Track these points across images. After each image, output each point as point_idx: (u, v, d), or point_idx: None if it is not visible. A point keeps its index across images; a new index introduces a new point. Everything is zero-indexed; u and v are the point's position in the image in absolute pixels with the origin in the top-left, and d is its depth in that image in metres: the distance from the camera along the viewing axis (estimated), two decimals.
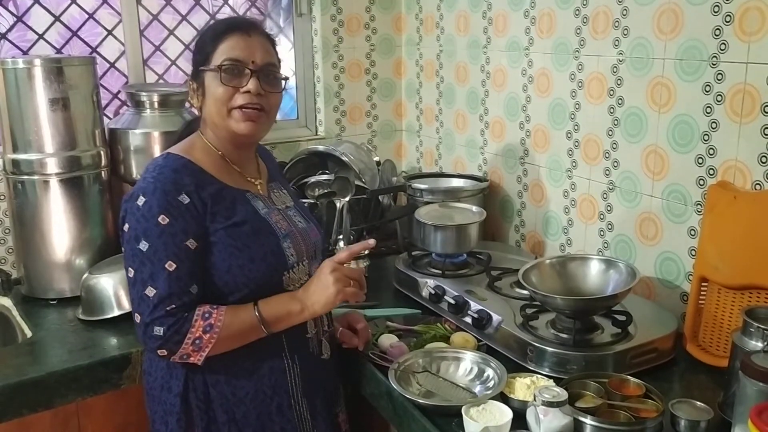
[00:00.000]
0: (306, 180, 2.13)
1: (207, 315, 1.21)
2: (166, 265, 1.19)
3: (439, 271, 1.78)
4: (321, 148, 2.19)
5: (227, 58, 1.26)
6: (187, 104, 1.99)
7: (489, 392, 1.28)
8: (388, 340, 1.49)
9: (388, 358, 1.43)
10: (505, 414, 1.19)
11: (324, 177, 2.10)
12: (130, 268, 1.22)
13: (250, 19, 1.37)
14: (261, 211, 1.32)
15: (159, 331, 1.18)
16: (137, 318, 1.21)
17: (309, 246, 1.39)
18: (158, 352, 1.20)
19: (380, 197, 2.20)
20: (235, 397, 1.29)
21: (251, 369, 1.30)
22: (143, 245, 1.19)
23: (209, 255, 1.24)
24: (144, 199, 1.20)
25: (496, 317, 1.51)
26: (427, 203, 2.00)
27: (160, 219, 1.19)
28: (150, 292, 1.19)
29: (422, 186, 2.11)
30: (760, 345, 1.13)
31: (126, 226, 1.23)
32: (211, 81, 1.27)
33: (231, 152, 1.33)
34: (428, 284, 1.73)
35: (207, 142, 1.33)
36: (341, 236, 1.97)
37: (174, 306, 1.19)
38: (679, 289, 1.60)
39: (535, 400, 1.17)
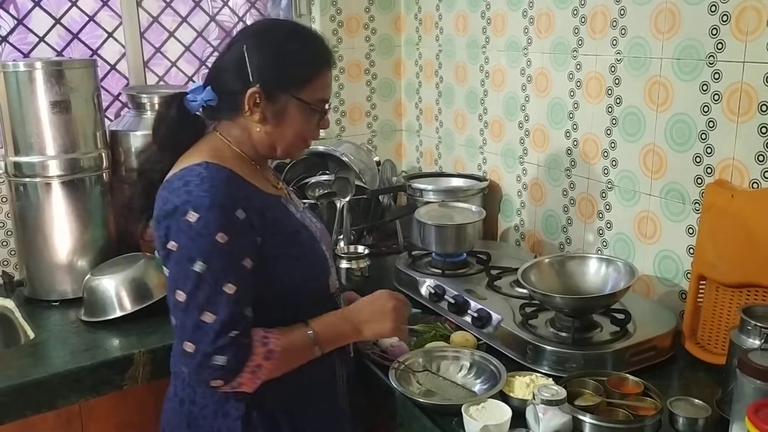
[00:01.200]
0: (306, 180, 2.14)
1: (265, 340, 1.12)
2: (225, 288, 1.09)
3: (439, 271, 1.78)
4: (321, 148, 2.21)
5: (323, 100, 1.25)
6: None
7: (488, 391, 1.28)
8: (388, 339, 1.50)
9: (388, 357, 1.43)
10: (504, 413, 1.20)
11: (324, 177, 2.11)
12: (180, 291, 1.10)
13: (329, 45, 1.27)
14: (297, 215, 1.28)
15: (221, 360, 1.07)
16: (190, 347, 1.08)
17: (329, 247, 1.38)
18: (212, 383, 1.10)
19: (380, 197, 2.21)
20: (297, 408, 1.25)
21: (308, 378, 1.24)
22: (199, 266, 1.08)
23: (269, 270, 1.17)
24: (197, 215, 1.09)
25: (495, 316, 1.52)
26: (427, 203, 2.01)
27: (218, 237, 1.09)
28: (208, 318, 1.08)
29: (422, 186, 2.12)
30: (757, 343, 1.14)
31: (173, 244, 1.10)
32: (299, 113, 1.21)
33: (258, 159, 1.27)
34: (428, 284, 1.73)
35: (237, 149, 1.23)
36: (341, 236, 1.98)
37: (236, 332, 1.09)
38: (677, 287, 1.61)
39: (534, 398, 1.18)
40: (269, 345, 1.13)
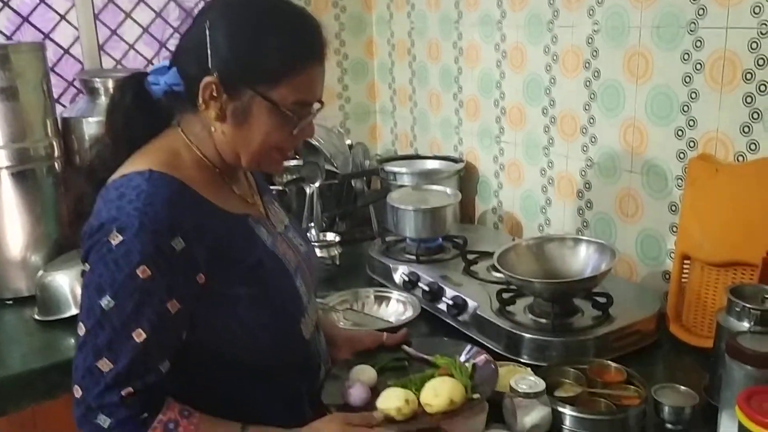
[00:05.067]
0: None
1: (171, 426, 0.90)
2: (134, 334, 0.88)
3: (414, 257, 1.70)
4: None
5: (300, 101, 0.98)
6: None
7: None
8: (359, 374, 1.14)
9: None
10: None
11: (293, 163, 2.02)
12: (81, 324, 0.91)
13: (324, 34, 1.00)
14: (267, 242, 1.03)
15: (104, 422, 0.87)
16: (77, 392, 0.89)
17: (313, 276, 1.14)
18: None
19: (353, 182, 2.12)
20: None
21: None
22: (106, 301, 0.88)
23: (215, 315, 0.96)
24: (120, 238, 0.88)
25: (471, 303, 1.44)
26: (402, 187, 1.92)
27: (138, 271, 0.87)
28: (104, 365, 0.88)
29: (396, 169, 2.03)
30: (746, 325, 1.07)
31: (87, 267, 0.92)
32: (266, 116, 0.96)
33: (226, 167, 1.03)
34: (402, 271, 1.65)
35: (198, 152, 1.00)
36: (312, 224, 1.89)
37: (132, 390, 0.88)
38: (661, 267, 1.54)
39: (511, 391, 1.10)
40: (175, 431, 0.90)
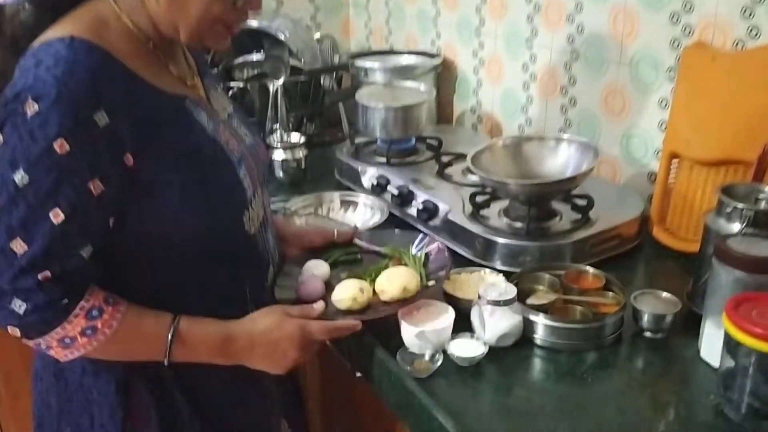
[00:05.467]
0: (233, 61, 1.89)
1: (95, 313, 0.84)
2: (51, 214, 0.80)
3: (384, 160, 1.59)
4: (254, 24, 1.93)
5: None
6: None
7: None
8: (311, 268, 1.12)
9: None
10: (446, 316, 1.04)
11: (254, 57, 1.86)
12: None
13: None
14: (208, 127, 0.94)
15: (19, 307, 0.80)
16: None
17: (260, 170, 1.05)
18: (9, 329, 0.83)
19: (321, 80, 1.97)
20: (206, 385, 0.99)
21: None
22: (20, 176, 0.79)
23: (146, 203, 0.87)
24: (36, 108, 0.78)
25: (442, 207, 1.34)
26: (373, 84, 1.78)
27: (56, 144, 0.78)
28: (18, 247, 0.80)
29: (367, 64, 1.88)
30: (736, 227, 0.98)
31: (1, 139, 0.81)
32: None
33: (161, 42, 0.92)
34: (371, 173, 1.54)
35: (130, 23, 0.88)
36: (277, 125, 1.76)
37: (50, 274, 0.81)
38: (646, 168, 1.44)
39: (480, 298, 1.02)
40: (96, 321, 0.84)
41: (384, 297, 1.03)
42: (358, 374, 1.11)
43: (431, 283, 1.06)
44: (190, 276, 0.95)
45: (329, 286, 1.07)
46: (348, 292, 1.02)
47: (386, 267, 1.10)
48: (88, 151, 0.80)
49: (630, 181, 1.47)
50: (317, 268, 1.12)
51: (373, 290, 1.05)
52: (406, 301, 1.02)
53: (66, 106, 0.79)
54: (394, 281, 1.03)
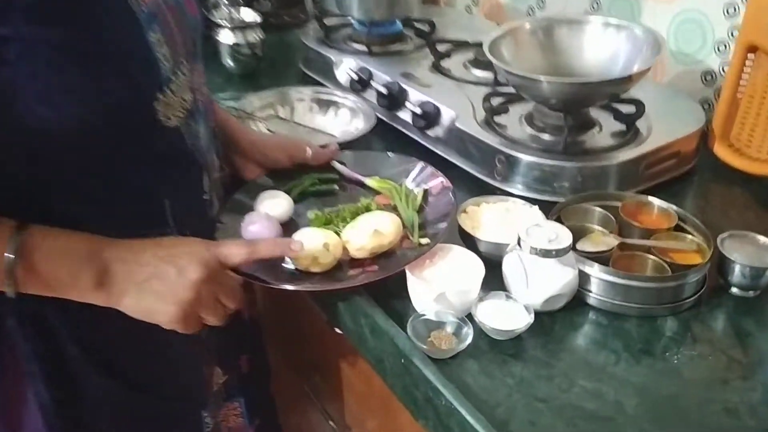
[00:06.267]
0: None
1: None
2: None
3: (364, 47, 1.24)
4: None
5: None
6: None
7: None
8: (265, 205, 0.85)
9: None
10: (473, 268, 0.75)
11: None
12: None
13: None
14: None
15: None
16: None
17: (186, 35, 0.74)
18: None
19: None
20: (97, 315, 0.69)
21: None
22: None
23: (20, 79, 0.59)
24: None
25: (447, 112, 1.02)
26: None
27: None
28: None
29: None
30: None
31: None
32: None
33: None
34: (347, 65, 1.20)
35: None
36: None
37: None
38: (701, 65, 1.14)
39: (519, 245, 0.73)
40: None
41: (355, 253, 0.77)
42: (338, 330, 0.83)
43: (424, 241, 0.79)
44: (89, 187, 0.68)
45: (289, 228, 0.81)
46: (307, 249, 0.74)
47: (368, 208, 0.84)
48: None
49: (675, 81, 1.17)
50: (274, 206, 0.84)
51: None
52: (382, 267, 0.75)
53: None
54: (371, 235, 0.76)
